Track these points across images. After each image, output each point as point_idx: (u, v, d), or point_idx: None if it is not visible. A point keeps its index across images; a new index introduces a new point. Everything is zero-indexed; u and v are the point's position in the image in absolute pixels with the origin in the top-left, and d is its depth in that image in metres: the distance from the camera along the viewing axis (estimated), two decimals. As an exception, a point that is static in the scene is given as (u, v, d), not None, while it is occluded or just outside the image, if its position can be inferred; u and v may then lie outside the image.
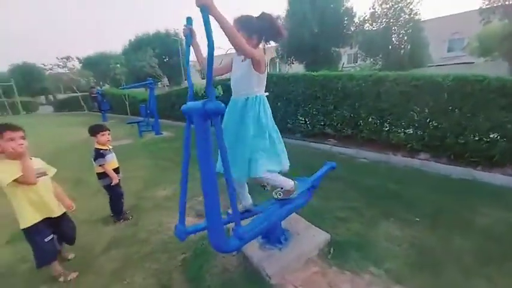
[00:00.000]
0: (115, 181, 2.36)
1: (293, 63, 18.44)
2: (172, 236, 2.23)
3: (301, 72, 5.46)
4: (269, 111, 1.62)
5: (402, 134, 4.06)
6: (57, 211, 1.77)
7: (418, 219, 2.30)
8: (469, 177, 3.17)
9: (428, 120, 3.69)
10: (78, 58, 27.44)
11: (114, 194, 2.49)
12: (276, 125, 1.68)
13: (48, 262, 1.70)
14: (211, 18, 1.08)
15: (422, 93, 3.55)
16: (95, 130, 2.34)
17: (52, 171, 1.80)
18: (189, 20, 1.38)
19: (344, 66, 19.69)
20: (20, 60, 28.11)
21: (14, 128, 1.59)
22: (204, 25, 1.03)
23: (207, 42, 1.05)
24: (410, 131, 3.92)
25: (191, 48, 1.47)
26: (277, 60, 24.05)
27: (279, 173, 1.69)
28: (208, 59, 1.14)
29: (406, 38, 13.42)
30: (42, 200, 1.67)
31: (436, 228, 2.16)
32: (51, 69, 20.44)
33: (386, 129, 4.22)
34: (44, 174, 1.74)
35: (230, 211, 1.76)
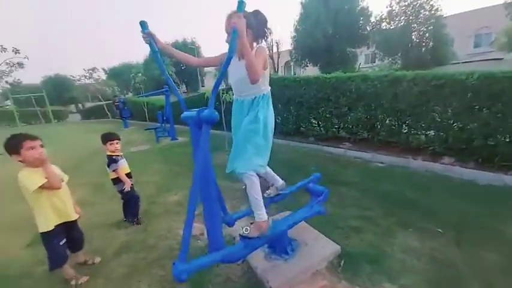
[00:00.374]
0: (127, 185, 2.43)
1: (307, 66, 18.23)
2: (179, 242, 2.23)
3: (312, 74, 5.34)
4: (269, 108, 1.58)
5: (423, 136, 3.81)
6: (73, 215, 1.86)
7: (440, 231, 2.10)
8: (499, 183, 2.87)
9: (452, 122, 3.43)
10: (103, 69, 29.36)
11: (130, 198, 2.56)
12: (273, 126, 1.62)
13: (60, 265, 1.76)
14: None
15: (444, 93, 3.31)
16: (105, 138, 2.44)
17: (65, 177, 1.89)
18: (143, 25, 1.33)
19: (361, 66, 19.12)
20: (52, 72, 30.59)
21: (32, 137, 1.68)
22: (230, 44, 1.12)
23: (225, 62, 1.13)
24: (432, 133, 3.66)
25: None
26: (292, 63, 23.97)
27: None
28: (222, 71, 1.17)
29: (427, 35, 12.70)
30: (63, 205, 1.77)
31: (460, 241, 1.96)
32: (79, 80, 21.98)
33: (405, 131, 3.99)
34: (62, 180, 1.82)
35: (266, 194, 1.83)
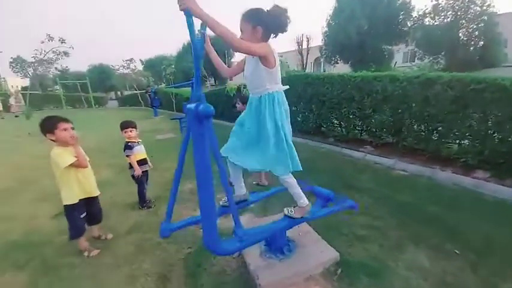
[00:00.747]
0: (136, 172, 2.60)
1: (337, 63, 17.41)
2: (183, 229, 2.33)
3: (337, 73, 5.10)
4: (284, 109, 1.52)
5: (455, 145, 3.44)
6: (95, 192, 2.07)
7: (457, 252, 1.90)
8: (544, 207, 2.50)
9: (491, 132, 3.04)
10: (140, 60, 31.25)
11: (140, 183, 2.74)
12: (290, 124, 1.59)
13: (78, 236, 1.97)
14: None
15: (484, 99, 2.94)
16: (121, 127, 2.64)
17: (87, 158, 2.07)
18: (203, 26, 1.37)
19: (398, 66, 17.73)
20: (97, 62, 33.36)
21: (66, 120, 1.88)
22: (188, 29, 1.04)
23: (192, 46, 1.06)
24: (466, 142, 3.29)
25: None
26: (322, 60, 23.12)
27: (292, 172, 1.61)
28: (195, 62, 1.15)
29: (476, 33, 11.22)
30: (87, 182, 1.98)
31: (480, 266, 1.75)
32: (118, 70, 23.72)
33: (435, 138, 3.64)
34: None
35: (221, 202, 1.83)
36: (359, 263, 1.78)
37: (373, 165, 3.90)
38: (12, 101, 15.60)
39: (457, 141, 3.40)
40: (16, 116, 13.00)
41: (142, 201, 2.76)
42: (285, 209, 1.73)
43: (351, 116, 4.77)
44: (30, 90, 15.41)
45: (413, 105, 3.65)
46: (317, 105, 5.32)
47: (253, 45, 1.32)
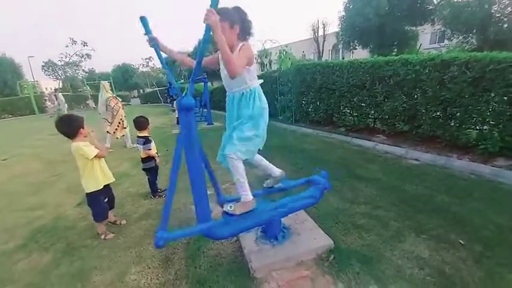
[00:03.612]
0: (158, 160, 2.89)
1: (355, 49, 16.50)
2: (188, 217, 2.48)
3: (347, 59, 4.91)
4: (258, 102, 1.58)
5: (474, 131, 3.20)
6: (112, 178, 2.31)
7: (462, 243, 1.82)
8: None
9: (516, 116, 2.78)
10: (159, 57, 32.41)
11: (152, 175, 2.94)
12: (261, 120, 1.60)
13: (104, 218, 2.22)
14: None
15: (505, 80, 2.68)
16: (143, 125, 2.91)
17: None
18: (147, 29, 1.45)
19: (424, 48, 16.36)
20: (120, 62, 35.15)
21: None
22: (204, 36, 1.14)
23: (198, 52, 1.17)
24: (486, 128, 3.05)
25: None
26: (340, 46, 22.10)
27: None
28: (197, 61, 1.23)
29: (510, 9, 9.94)
30: (107, 169, 2.25)
31: (485, 257, 1.67)
32: (138, 69, 24.84)
33: (452, 125, 3.41)
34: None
35: (265, 185, 1.95)
36: (352, 250, 1.79)
37: (383, 155, 3.77)
38: (48, 103, 17.04)
39: (477, 127, 3.16)
40: (51, 117, 14.22)
41: (154, 191, 2.97)
42: (225, 205, 1.63)
43: (363, 105, 4.61)
44: (61, 91, 16.72)
45: (428, 89, 3.44)
46: (327, 94, 5.20)
47: (243, 60, 1.39)
